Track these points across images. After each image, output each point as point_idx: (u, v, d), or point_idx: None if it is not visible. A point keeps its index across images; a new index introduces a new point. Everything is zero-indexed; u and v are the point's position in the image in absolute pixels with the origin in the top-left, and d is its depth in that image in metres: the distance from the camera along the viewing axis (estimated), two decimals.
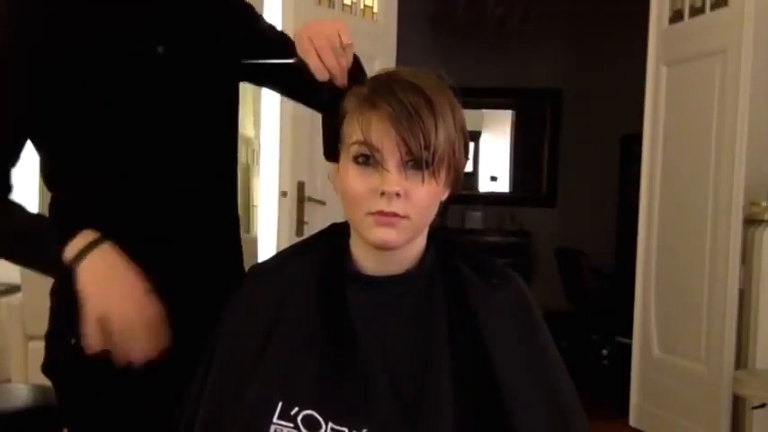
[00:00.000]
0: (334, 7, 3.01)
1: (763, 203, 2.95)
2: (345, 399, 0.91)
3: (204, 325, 1.05)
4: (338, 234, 1.01)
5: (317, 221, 2.68)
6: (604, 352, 5.04)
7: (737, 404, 2.97)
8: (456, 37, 5.55)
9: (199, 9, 1.18)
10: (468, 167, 5.98)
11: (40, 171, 1.21)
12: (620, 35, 5.08)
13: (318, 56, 1.05)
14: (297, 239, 2.69)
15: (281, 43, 1.20)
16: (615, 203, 5.79)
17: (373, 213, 0.90)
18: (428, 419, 0.89)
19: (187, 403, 1.02)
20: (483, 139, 5.99)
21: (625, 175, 5.61)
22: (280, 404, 0.91)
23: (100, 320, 0.99)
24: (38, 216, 1.20)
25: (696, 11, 3.24)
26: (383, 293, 0.96)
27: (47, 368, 1.18)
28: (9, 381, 3.17)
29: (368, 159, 0.91)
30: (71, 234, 1.04)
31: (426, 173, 0.90)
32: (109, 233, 1.04)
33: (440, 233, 1.02)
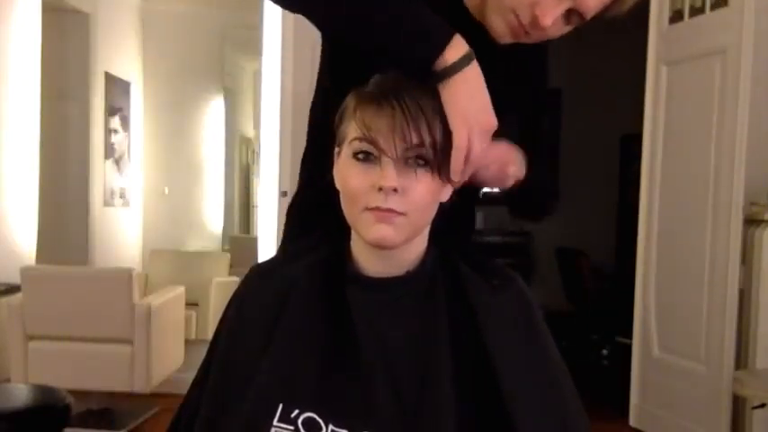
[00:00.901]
0: None
1: (764, 203, 2.95)
2: (346, 400, 0.90)
3: None
4: (339, 235, 1.01)
5: None
6: (604, 352, 5.05)
7: (737, 404, 2.97)
8: None
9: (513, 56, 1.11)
10: None
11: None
12: (620, 35, 5.08)
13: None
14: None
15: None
16: (615, 203, 5.79)
17: (371, 209, 0.90)
18: (429, 421, 0.89)
19: (188, 401, 1.03)
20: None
21: (625, 175, 5.61)
22: (280, 406, 0.91)
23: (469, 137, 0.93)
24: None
25: (696, 11, 3.24)
26: (384, 294, 0.96)
27: None
28: (9, 381, 3.18)
29: (367, 156, 0.91)
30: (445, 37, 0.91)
31: (425, 170, 0.90)
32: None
33: (441, 234, 1.01)
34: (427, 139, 0.89)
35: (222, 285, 4.09)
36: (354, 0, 0.95)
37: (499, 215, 6.05)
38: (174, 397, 1.25)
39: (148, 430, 3.31)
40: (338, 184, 0.96)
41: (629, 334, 3.66)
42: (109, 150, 4.58)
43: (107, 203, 4.55)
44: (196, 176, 4.78)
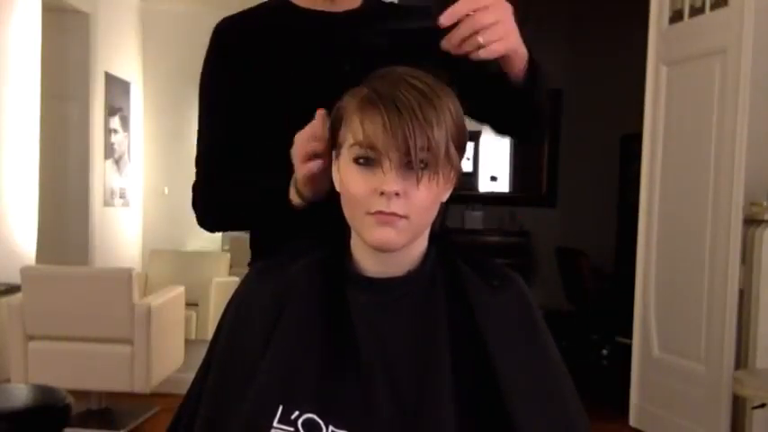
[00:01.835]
0: None
1: (764, 203, 2.95)
2: (346, 401, 0.90)
3: None
4: (339, 235, 1.01)
5: None
6: (604, 352, 5.05)
7: (737, 404, 2.97)
8: None
9: (386, 26, 1.18)
10: (468, 167, 6.05)
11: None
12: (620, 35, 5.08)
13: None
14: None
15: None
16: (615, 203, 5.79)
17: (373, 213, 0.90)
18: (429, 421, 0.89)
19: (188, 401, 1.03)
20: (483, 139, 5.98)
21: (625, 175, 5.61)
22: (280, 408, 0.91)
23: None
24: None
25: (696, 11, 3.24)
26: (384, 295, 0.96)
27: None
28: (9, 381, 3.18)
29: (368, 161, 0.90)
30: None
31: (426, 173, 0.90)
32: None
33: (440, 234, 1.01)
34: (427, 142, 0.89)
35: (222, 285, 4.09)
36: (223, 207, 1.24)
37: (499, 215, 6.06)
38: (174, 397, 1.25)
39: (148, 430, 3.31)
40: (338, 188, 0.96)
41: (629, 334, 3.66)
42: (109, 150, 4.57)
43: (107, 203, 4.55)
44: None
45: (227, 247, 4.70)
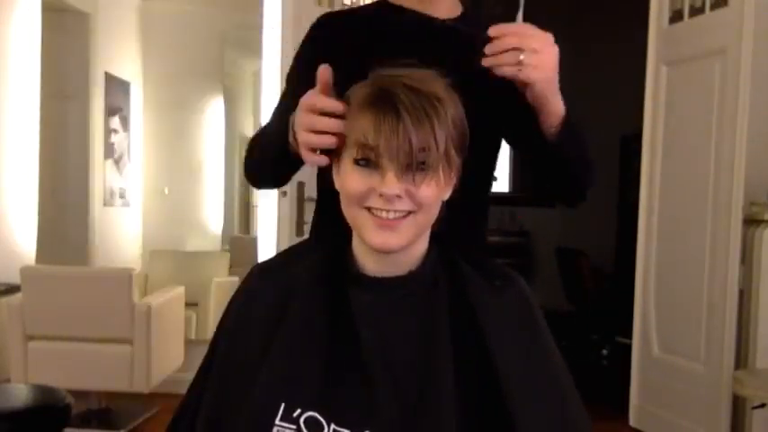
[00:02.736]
0: (333, 7, 3.01)
1: (764, 203, 2.95)
2: (348, 400, 0.91)
3: None
4: (340, 234, 1.01)
5: None
6: (604, 352, 5.05)
7: (737, 404, 2.97)
8: None
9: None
10: None
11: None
12: (620, 35, 5.08)
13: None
14: (297, 239, 2.69)
15: None
16: (615, 203, 5.79)
17: (370, 212, 0.90)
18: (430, 420, 0.89)
19: (188, 400, 1.03)
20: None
21: (625, 175, 5.61)
22: (282, 405, 0.91)
23: None
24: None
25: (696, 11, 3.24)
26: (386, 294, 0.96)
27: None
28: (9, 381, 3.18)
29: (368, 162, 0.91)
30: None
31: (425, 174, 0.90)
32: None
33: (440, 235, 1.01)
34: (429, 143, 0.89)
35: (222, 285, 4.09)
36: (258, 159, 1.25)
37: (499, 215, 6.06)
38: (174, 397, 1.25)
39: (148, 430, 3.31)
40: (338, 187, 0.96)
41: (629, 334, 3.66)
42: (109, 150, 4.57)
43: (107, 203, 4.55)
44: (196, 176, 4.77)
45: (226, 248, 4.70)
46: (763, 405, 2.62)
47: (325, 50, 1.13)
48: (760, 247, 2.91)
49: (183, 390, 1.07)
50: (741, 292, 2.96)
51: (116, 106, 4.63)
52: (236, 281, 3.18)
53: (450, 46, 1.15)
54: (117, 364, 3.14)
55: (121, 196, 4.72)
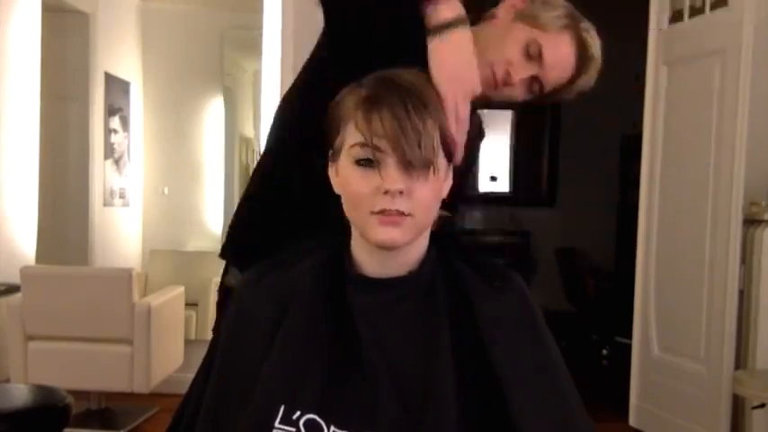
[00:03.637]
0: None
1: (764, 203, 2.95)
2: (348, 402, 0.91)
3: None
4: (339, 236, 1.01)
5: None
6: (604, 352, 5.05)
7: (737, 404, 2.97)
8: None
9: None
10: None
11: None
12: (620, 35, 5.07)
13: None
14: None
15: None
16: (615, 203, 5.79)
17: (377, 213, 0.90)
18: (431, 421, 0.89)
19: (188, 401, 1.02)
20: (483, 140, 5.97)
21: (625, 175, 5.60)
22: (282, 408, 0.91)
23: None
24: None
25: (696, 11, 3.24)
26: (385, 295, 0.96)
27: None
28: (9, 381, 3.18)
29: (369, 161, 0.91)
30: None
31: (427, 171, 0.90)
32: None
33: (441, 235, 1.01)
34: (427, 139, 0.89)
35: None
36: None
37: (499, 215, 6.06)
38: (174, 397, 1.25)
39: (148, 430, 3.31)
40: (338, 189, 0.96)
41: (629, 334, 3.66)
42: (109, 150, 4.57)
43: (107, 203, 4.55)
44: (196, 176, 4.77)
45: None
46: (763, 405, 2.62)
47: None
48: (760, 248, 2.91)
49: (183, 390, 1.07)
50: (741, 293, 2.96)
51: (116, 106, 4.63)
52: None
53: None
54: (117, 365, 3.14)
55: (121, 196, 4.72)
